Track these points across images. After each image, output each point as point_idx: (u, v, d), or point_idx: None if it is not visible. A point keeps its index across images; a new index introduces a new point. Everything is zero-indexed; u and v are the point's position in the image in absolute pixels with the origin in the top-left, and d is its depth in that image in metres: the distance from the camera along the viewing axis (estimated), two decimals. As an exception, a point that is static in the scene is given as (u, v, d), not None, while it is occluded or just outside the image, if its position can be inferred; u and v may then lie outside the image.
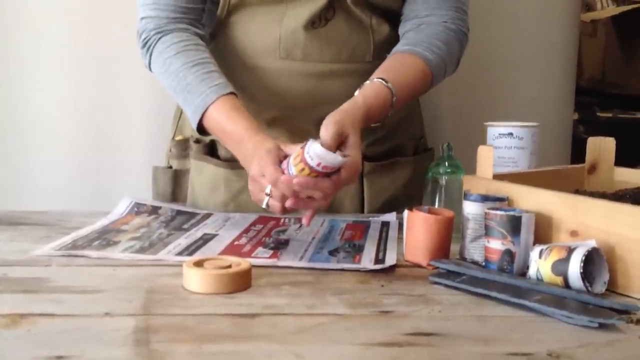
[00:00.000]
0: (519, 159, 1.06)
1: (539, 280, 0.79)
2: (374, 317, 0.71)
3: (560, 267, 0.76)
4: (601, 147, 1.07)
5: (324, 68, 1.14)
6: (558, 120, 1.67)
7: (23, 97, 1.51)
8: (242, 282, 0.79)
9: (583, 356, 0.62)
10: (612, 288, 0.78)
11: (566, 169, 1.09)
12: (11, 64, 1.50)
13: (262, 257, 0.90)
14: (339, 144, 0.91)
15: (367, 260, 0.90)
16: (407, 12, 1.16)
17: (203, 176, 1.23)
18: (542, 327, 0.69)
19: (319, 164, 0.87)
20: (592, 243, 0.78)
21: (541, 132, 1.09)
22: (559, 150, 1.67)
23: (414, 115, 1.31)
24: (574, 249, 0.77)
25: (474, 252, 0.89)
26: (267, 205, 0.92)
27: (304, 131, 1.09)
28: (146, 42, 1.12)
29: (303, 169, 0.87)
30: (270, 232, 1.03)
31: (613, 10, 3.65)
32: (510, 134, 1.07)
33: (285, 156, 0.93)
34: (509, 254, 0.82)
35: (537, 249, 0.80)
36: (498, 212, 0.83)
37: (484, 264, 0.86)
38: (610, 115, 3.38)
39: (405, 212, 0.90)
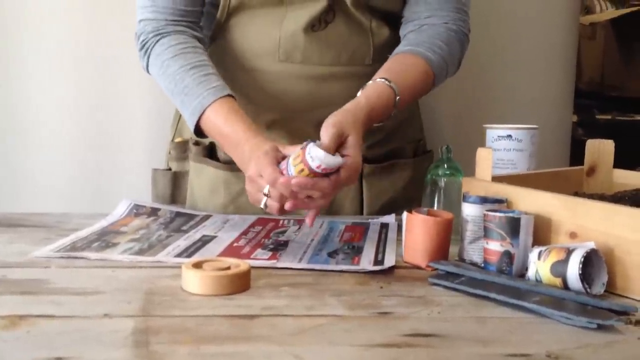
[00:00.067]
0: (518, 161, 1.07)
1: (538, 281, 0.79)
2: (373, 319, 0.71)
3: (559, 268, 0.77)
4: (600, 149, 1.07)
5: (324, 71, 1.14)
6: (557, 123, 1.67)
7: (23, 97, 1.51)
8: (241, 283, 0.79)
9: (582, 357, 0.62)
10: (610, 289, 0.78)
11: (565, 171, 1.09)
12: (11, 64, 1.50)
13: (261, 258, 0.90)
14: (339, 145, 0.91)
15: (366, 262, 0.90)
16: (408, 14, 1.16)
17: (202, 178, 1.23)
18: (541, 328, 0.69)
19: (318, 166, 0.87)
20: (591, 245, 0.78)
21: (540, 134, 1.10)
22: (558, 153, 1.67)
23: (413, 118, 1.32)
24: (573, 250, 0.77)
25: (473, 253, 0.89)
26: (265, 205, 0.92)
27: (304, 134, 1.09)
28: (144, 45, 1.12)
29: (303, 170, 0.87)
30: (269, 234, 1.03)
31: (612, 13, 3.66)
32: (509, 136, 1.07)
33: (283, 157, 0.93)
34: (508, 256, 0.83)
35: (536, 250, 0.80)
36: (497, 214, 0.83)
37: (483, 265, 0.86)
38: (609, 117, 3.38)
39: (405, 214, 0.90)
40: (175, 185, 1.28)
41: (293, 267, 0.88)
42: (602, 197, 0.92)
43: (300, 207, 0.92)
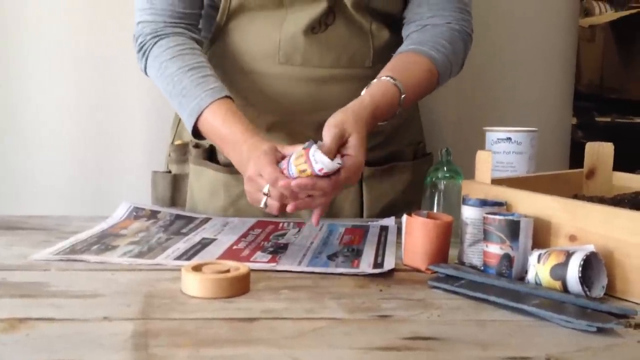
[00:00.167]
0: (518, 163, 1.07)
1: (538, 284, 0.79)
2: (372, 322, 0.71)
3: (558, 271, 0.77)
4: (599, 152, 1.07)
5: (324, 73, 1.14)
6: (556, 125, 1.67)
7: (23, 97, 1.51)
8: (240, 286, 0.79)
9: (581, 361, 0.62)
10: (610, 292, 0.78)
11: (565, 173, 1.09)
12: (11, 64, 1.50)
13: (260, 261, 0.90)
14: (341, 145, 0.91)
15: (365, 265, 0.90)
16: (410, 15, 1.16)
17: (202, 181, 1.23)
18: (540, 331, 0.69)
19: (321, 170, 0.87)
20: (590, 247, 0.78)
21: (540, 137, 1.10)
22: (558, 155, 1.67)
23: (413, 121, 1.32)
24: (573, 253, 0.77)
25: (473, 256, 0.89)
26: (265, 204, 0.92)
27: (304, 136, 1.08)
28: (142, 46, 1.12)
29: (305, 170, 0.88)
30: (268, 237, 1.03)
31: (611, 15, 3.66)
32: (509, 139, 1.07)
33: (283, 157, 0.93)
34: (507, 259, 0.83)
35: (536, 253, 0.80)
36: (497, 217, 0.83)
37: (482, 268, 0.86)
38: (608, 120, 3.38)
39: (404, 217, 0.90)
40: (175, 187, 1.28)
41: (292, 270, 0.88)
42: (601, 200, 0.92)
43: (301, 207, 0.92)
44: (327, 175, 0.89)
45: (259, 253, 0.94)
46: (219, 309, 0.73)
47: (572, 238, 0.83)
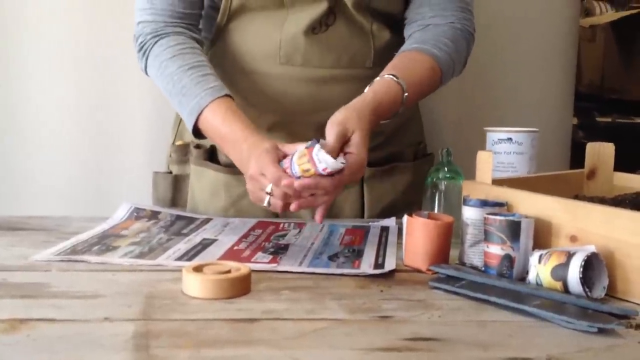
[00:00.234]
0: (518, 164, 1.06)
1: (539, 285, 0.79)
2: (373, 322, 0.71)
3: (559, 272, 0.77)
4: (600, 152, 1.07)
5: (324, 73, 1.14)
6: (557, 126, 1.67)
7: (23, 97, 1.51)
8: (241, 287, 0.79)
9: (582, 361, 0.62)
10: (611, 293, 0.78)
11: (565, 174, 1.09)
12: (11, 64, 1.50)
13: (261, 262, 0.90)
14: (343, 143, 0.91)
15: (366, 265, 0.90)
16: (411, 15, 1.16)
17: (203, 182, 1.22)
18: (541, 332, 0.69)
19: (325, 169, 0.87)
20: (591, 248, 0.78)
21: (540, 137, 1.10)
22: (558, 156, 1.67)
23: (413, 121, 1.31)
24: (574, 254, 0.77)
25: (474, 257, 0.89)
26: (269, 203, 0.92)
27: (304, 136, 1.08)
28: (142, 46, 1.12)
29: (308, 170, 0.88)
30: (269, 237, 1.03)
31: (612, 15, 3.66)
32: (510, 139, 1.07)
33: (284, 155, 0.93)
34: (508, 259, 0.83)
35: (537, 254, 0.80)
36: (497, 217, 0.83)
37: (483, 269, 0.86)
38: (609, 120, 3.38)
39: (405, 217, 0.90)
40: (176, 188, 1.28)
41: (293, 270, 0.87)
42: (602, 201, 0.92)
43: (304, 206, 0.92)
44: (330, 175, 0.89)
45: (259, 254, 0.94)
46: (220, 310, 0.73)
47: (573, 238, 0.83)
